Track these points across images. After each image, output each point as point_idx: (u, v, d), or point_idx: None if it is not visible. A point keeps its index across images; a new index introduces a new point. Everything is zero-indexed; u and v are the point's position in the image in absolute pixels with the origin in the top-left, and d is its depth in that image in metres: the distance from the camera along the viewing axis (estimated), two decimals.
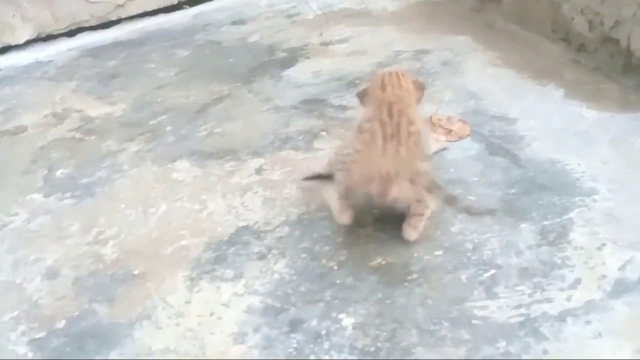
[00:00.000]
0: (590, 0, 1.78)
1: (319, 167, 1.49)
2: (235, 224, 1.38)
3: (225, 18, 2.72)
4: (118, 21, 2.89)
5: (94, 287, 1.27)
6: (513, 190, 1.33)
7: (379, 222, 1.30)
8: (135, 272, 1.29)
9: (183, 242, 1.35)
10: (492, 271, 1.13)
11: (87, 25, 2.87)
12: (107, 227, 1.45)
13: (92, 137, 1.90)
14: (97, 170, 1.70)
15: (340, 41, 2.30)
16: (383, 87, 1.29)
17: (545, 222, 1.23)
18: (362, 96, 1.36)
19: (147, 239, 1.39)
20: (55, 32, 2.85)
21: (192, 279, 1.24)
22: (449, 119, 1.63)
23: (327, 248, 1.25)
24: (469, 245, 1.20)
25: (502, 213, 1.27)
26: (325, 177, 1.41)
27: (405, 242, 1.23)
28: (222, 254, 1.29)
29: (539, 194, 1.31)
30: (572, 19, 1.86)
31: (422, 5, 2.50)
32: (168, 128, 1.87)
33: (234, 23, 2.66)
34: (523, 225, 1.23)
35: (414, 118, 1.24)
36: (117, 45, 2.70)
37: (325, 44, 2.32)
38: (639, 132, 1.47)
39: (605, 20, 1.74)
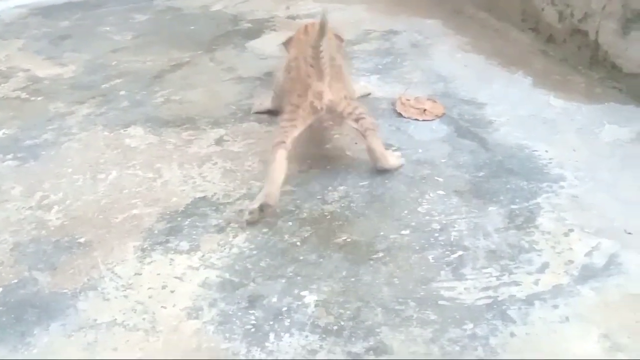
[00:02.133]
0: None
1: (267, 103, 1.58)
2: (192, 194, 1.30)
3: None
4: None
5: (35, 254, 1.17)
6: (481, 174, 1.30)
7: (345, 199, 1.25)
8: (81, 240, 1.20)
9: (134, 211, 1.26)
10: (460, 252, 1.09)
11: None
12: (51, 192, 1.35)
13: (39, 98, 1.78)
14: (43, 133, 1.58)
15: (308, 16, 2.23)
16: (306, 33, 1.43)
17: (513, 206, 1.20)
18: (288, 44, 1.50)
19: (95, 206, 1.29)
20: None
21: (143, 250, 1.16)
22: (417, 98, 1.60)
23: (289, 224, 1.19)
24: (436, 226, 1.16)
25: (471, 195, 1.24)
26: (272, 111, 1.54)
27: (370, 221, 1.18)
28: (177, 225, 1.22)
29: (507, 178, 1.28)
30: (543, 9, 1.86)
31: None
32: (122, 92, 1.76)
33: None
34: (491, 208, 1.20)
35: (335, 55, 1.37)
36: (70, 5, 2.55)
37: (292, 17, 2.25)
38: (603, 123, 1.47)
39: (575, 12, 1.74)
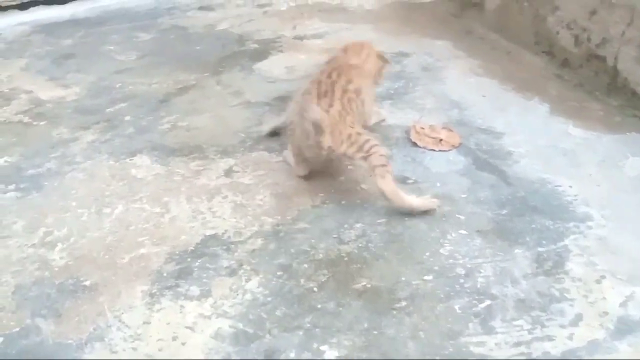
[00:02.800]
0: (578, 15, 1.70)
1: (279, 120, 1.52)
2: (201, 232, 1.22)
3: (192, 2, 2.52)
4: None
5: (38, 299, 1.08)
6: (504, 211, 1.22)
7: (362, 238, 1.17)
8: (87, 283, 1.11)
9: (142, 251, 1.18)
10: (487, 302, 1.01)
11: None
12: (55, 228, 1.26)
13: (42, 123, 1.69)
14: (46, 161, 1.50)
15: (316, 36, 2.15)
16: (345, 51, 1.44)
17: (540, 249, 1.12)
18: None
19: (100, 244, 1.21)
20: (4, 4, 2.58)
21: (152, 295, 1.07)
22: (432, 127, 1.52)
23: (305, 266, 1.11)
24: (461, 271, 1.08)
25: (495, 236, 1.16)
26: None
27: (390, 264, 1.10)
28: (187, 267, 1.13)
29: (531, 217, 1.20)
30: (557, 32, 1.78)
31: (399, 6, 2.39)
32: (127, 118, 1.67)
33: (201, 8, 2.47)
34: (517, 251, 1.12)
35: (354, 79, 1.35)
36: (74, 23, 2.46)
37: (300, 37, 2.17)
38: (626, 154, 1.39)
39: (592, 37, 1.66)
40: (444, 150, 1.43)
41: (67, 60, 2.11)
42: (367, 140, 1.25)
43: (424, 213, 1.22)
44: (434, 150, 1.44)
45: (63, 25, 2.45)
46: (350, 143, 1.24)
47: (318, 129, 1.20)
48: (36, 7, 2.63)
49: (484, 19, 2.09)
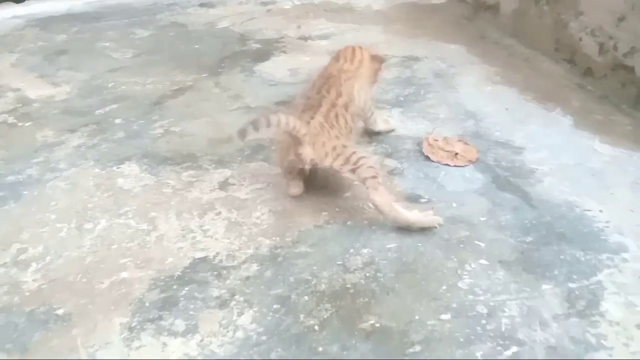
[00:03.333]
0: (604, 22, 1.54)
1: None
2: (190, 254, 1.07)
3: None
4: None
5: (5, 329, 0.93)
6: (529, 239, 1.07)
7: (370, 266, 1.02)
8: (60, 312, 0.96)
9: (124, 275, 1.03)
10: (514, 348, 0.86)
11: None
12: (30, 244, 1.11)
13: (27, 124, 1.54)
14: (28, 167, 1.35)
15: (321, 37, 2.00)
16: (337, 58, 1.32)
17: (571, 285, 0.97)
18: None
19: (78, 266, 1.06)
20: None
21: (131, 329, 0.92)
22: (446, 139, 1.36)
23: (305, 298, 0.96)
24: (483, 309, 0.93)
25: (519, 267, 1.01)
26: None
27: (402, 298, 0.95)
28: (172, 296, 0.98)
29: (559, 246, 1.05)
30: (580, 39, 1.63)
31: (409, 7, 2.24)
32: (117, 121, 1.52)
33: (202, 5, 2.32)
34: (545, 287, 0.97)
35: (345, 91, 1.23)
36: (70, 17, 2.32)
37: (304, 38, 2.02)
38: None
39: (619, 46, 1.51)
40: (460, 166, 1.28)
41: (59, 56, 1.96)
42: (354, 152, 1.13)
43: (424, 230, 1.07)
44: (449, 165, 1.29)
45: (58, 20, 2.30)
46: (335, 155, 1.13)
47: (295, 139, 1.10)
48: (33, 0, 2.49)
49: (499, 23, 1.94)
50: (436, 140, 1.36)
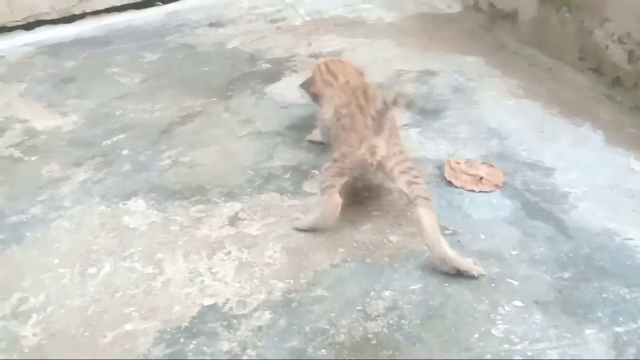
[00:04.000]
0: (633, 28, 1.42)
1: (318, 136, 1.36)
2: (199, 301, 0.98)
3: (202, 19, 2.29)
4: (82, 16, 2.43)
5: None
6: (566, 274, 0.96)
7: (393, 311, 0.92)
8: None
9: (128, 327, 0.94)
10: None
11: (47, 18, 2.41)
12: (32, 293, 1.03)
13: (33, 158, 1.47)
14: (32, 205, 1.27)
15: (332, 54, 1.90)
16: (334, 75, 1.31)
17: (618, 329, 0.86)
18: (309, 85, 1.37)
19: (81, 317, 0.97)
20: (10, 24, 2.38)
21: None
22: (469, 162, 1.26)
23: (323, 352, 0.86)
24: None
25: (558, 309, 0.90)
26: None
27: (430, 349, 0.85)
28: (179, 350, 0.89)
29: (600, 282, 0.94)
30: (607, 47, 1.50)
31: (423, 18, 2.13)
32: (124, 152, 1.44)
33: (212, 25, 2.24)
34: (588, 332, 0.86)
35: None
36: (79, 43, 2.25)
37: (315, 55, 1.92)
38: None
39: None
40: (486, 191, 1.17)
41: (67, 84, 1.89)
42: (412, 168, 1.07)
43: (464, 276, 0.96)
44: (474, 191, 1.18)
45: (68, 46, 2.23)
46: (400, 160, 1.06)
47: (376, 129, 1.05)
48: (42, 27, 2.43)
49: (518, 32, 1.82)
50: (458, 163, 1.25)
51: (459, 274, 0.96)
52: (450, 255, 0.97)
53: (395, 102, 1.01)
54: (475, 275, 0.95)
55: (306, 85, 1.39)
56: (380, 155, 1.05)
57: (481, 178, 1.19)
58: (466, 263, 0.96)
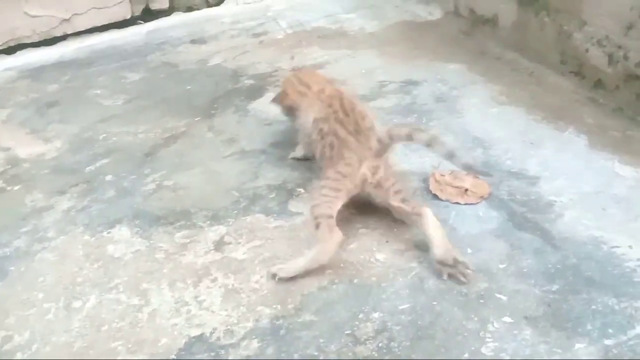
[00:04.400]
0: (611, 31, 1.42)
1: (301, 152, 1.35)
2: (185, 332, 0.96)
3: (184, 36, 2.27)
4: (64, 37, 2.41)
5: None
6: (555, 287, 0.95)
7: (382, 334, 0.90)
8: None
9: None
10: None
11: (28, 41, 2.38)
12: (16, 331, 1.01)
13: (16, 187, 1.45)
14: (16, 237, 1.25)
15: (315, 66, 1.88)
16: (306, 85, 1.32)
17: (607, 341, 0.85)
18: (283, 99, 1.37)
19: (67, 353, 0.95)
20: None
21: None
22: (453, 173, 1.25)
23: None
24: None
25: (548, 323, 0.89)
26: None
27: None
28: None
29: (589, 294, 0.93)
30: (587, 50, 1.50)
31: (404, 27, 2.12)
32: (108, 178, 1.42)
33: (194, 42, 2.23)
34: (579, 346, 0.85)
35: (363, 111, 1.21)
36: (61, 65, 2.23)
37: (298, 69, 1.91)
38: None
39: (630, 55, 1.38)
40: (471, 204, 1.16)
41: (50, 108, 1.87)
42: (405, 187, 1.13)
43: (453, 293, 0.95)
44: (459, 203, 1.17)
45: (50, 69, 2.21)
46: (394, 181, 1.10)
47: (381, 150, 1.11)
48: (24, 50, 2.41)
49: (499, 37, 1.82)
50: (443, 176, 1.24)
51: (448, 291, 0.95)
52: (451, 245, 1.00)
53: (393, 138, 1.07)
54: (470, 271, 0.97)
55: (279, 100, 1.39)
56: (379, 175, 1.08)
57: (466, 190, 1.19)
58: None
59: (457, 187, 1.20)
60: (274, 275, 1.02)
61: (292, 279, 1.03)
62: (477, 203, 1.16)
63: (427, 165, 1.30)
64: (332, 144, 1.16)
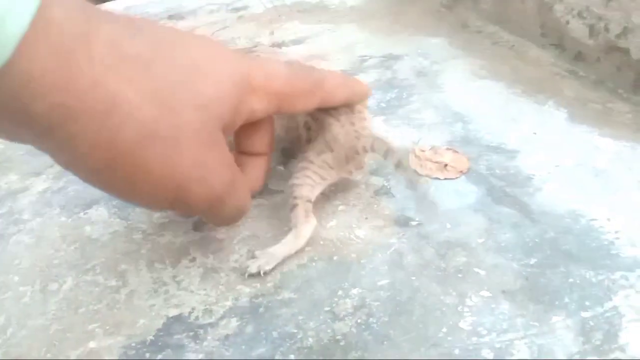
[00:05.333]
0: (591, 2, 1.40)
1: None
2: (163, 312, 0.95)
3: (161, 11, 2.22)
4: None
5: None
6: (532, 261, 0.95)
7: (361, 310, 0.90)
8: None
9: (91, 345, 0.91)
10: None
11: None
12: None
13: None
14: None
15: (296, 41, 1.86)
16: None
17: (584, 314, 0.85)
18: None
19: (43, 337, 0.94)
20: None
21: None
22: (434, 149, 1.24)
23: (291, 357, 0.84)
24: (489, 354, 0.81)
25: (525, 297, 0.89)
26: None
27: (399, 348, 0.83)
28: None
29: (567, 267, 0.93)
30: (567, 22, 1.49)
31: (385, 0, 2.09)
32: None
33: (171, 17, 2.17)
34: (555, 319, 0.85)
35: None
36: None
37: (278, 44, 1.87)
38: None
39: (610, 27, 1.37)
40: (451, 178, 1.16)
41: None
42: None
43: (432, 268, 0.95)
44: (439, 178, 1.16)
45: None
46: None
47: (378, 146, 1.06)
48: None
49: (480, 10, 1.79)
50: (423, 151, 1.23)
51: (426, 266, 0.95)
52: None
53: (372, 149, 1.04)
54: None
55: None
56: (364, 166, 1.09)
57: (446, 165, 1.18)
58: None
59: (436, 162, 1.19)
60: (254, 274, 0.98)
61: (270, 255, 1.02)
62: (457, 178, 1.15)
63: (407, 140, 1.28)
64: (311, 126, 1.11)
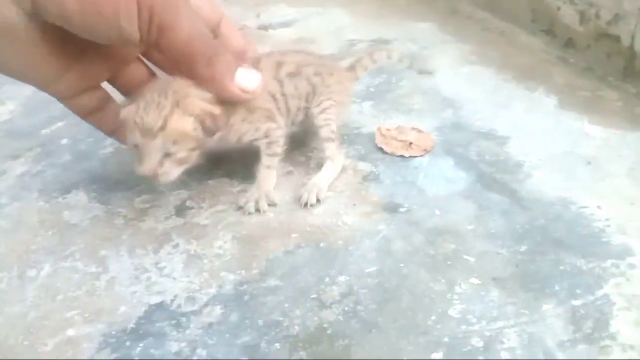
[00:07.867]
0: None
1: None
2: (145, 299, 0.92)
3: None
4: None
5: None
6: (523, 248, 0.93)
7: (348, 297, 0.88)
8: None
9: (70, 332, 0.88)
10: None
11: None
12: None
13: None
14: None
15: (283, 24, 1.82)
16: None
17: (575, 302, 0.84)
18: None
19: (21, 324, 0.90)
20: None
21: None
22: (399, 128, 1.22)
23: (277, 345, 0.82)
24: (478, 342, 0.79)
25: (515, 285, 0.87)
26: None
27: (386, 336, 0.81)
28: (126, 354, 0.83)
29: (557, 254, 0.92)
30: (558, 8, 1.47)
31: None
32: (64, 141, 1.35)
33: None
34: (546, 307, 0.84)
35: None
36: None
37: (264, 27, 1.84)
38: None
39: (601, 13, 1.35)
40: (416, 156, 1.14)
41: None
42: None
43: (420, 255, 0.93)
44: (404, 156, 1.14)
45: None
46: None
47: None
48: None
49: None
50: (389, 130, 1.21)
51: (415, 253, 0.93)
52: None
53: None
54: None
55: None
56: None
57: (410, 143, 1.17)
58: None
59: (401, 140, 1.18)
60: (314, 204, 1.04)
61: (256, 244, 1.00)
62: (421, 156, 1.14)
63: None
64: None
